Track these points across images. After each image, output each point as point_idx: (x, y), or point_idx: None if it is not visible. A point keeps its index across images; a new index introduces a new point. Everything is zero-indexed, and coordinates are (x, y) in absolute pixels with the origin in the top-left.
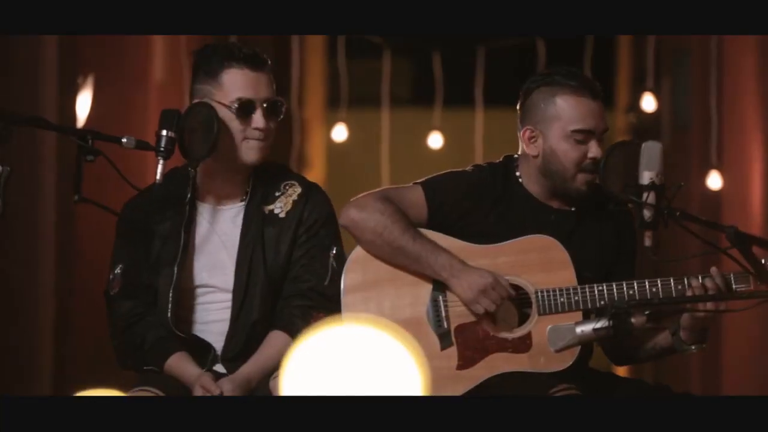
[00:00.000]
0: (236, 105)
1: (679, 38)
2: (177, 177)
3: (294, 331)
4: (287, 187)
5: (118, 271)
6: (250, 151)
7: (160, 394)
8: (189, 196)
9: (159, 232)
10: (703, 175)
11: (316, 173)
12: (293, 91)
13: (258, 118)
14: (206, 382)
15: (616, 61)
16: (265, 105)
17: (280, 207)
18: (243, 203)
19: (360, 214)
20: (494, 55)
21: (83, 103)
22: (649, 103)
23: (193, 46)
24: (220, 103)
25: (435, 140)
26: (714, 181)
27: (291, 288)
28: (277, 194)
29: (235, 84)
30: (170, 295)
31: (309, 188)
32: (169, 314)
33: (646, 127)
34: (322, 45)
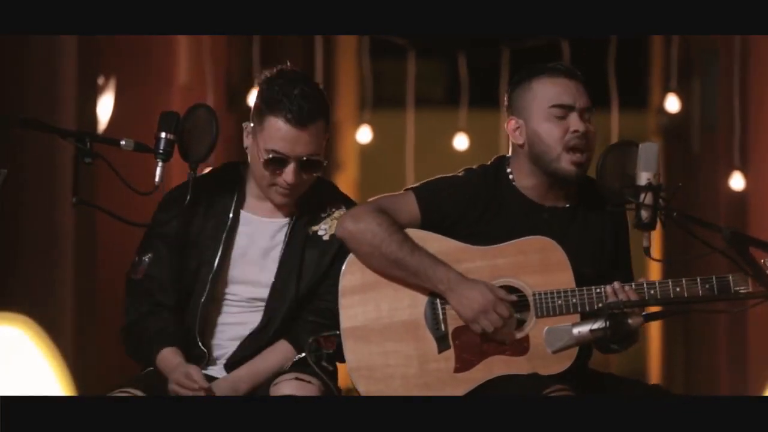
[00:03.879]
0: (268, 156)
1: (707, 38)
2: (222, 178)
3: (300, 344)
4: (334, 210)
5: (146, 259)
6: (276, 196)
7: (140, 394)
8: (188, 198)
9: (198, 235)
10: (730, 176)
11: (347, 175)
12: None
13: (288, 173)
14: (182, 377)
15: (648, 62)
16: (303, 159)
17: (324, 229)
18: (288, 220)
19: (356, 225)
20: (519, 56)
21: (105, 106)
22: (672, 104)
23: (217, 48)
24: (256, 143)
25: (461, 141)
26: (737, 182)
27: (311, 303)
28: (323, 215)
29: (272, 135)
30: (201, 301)
31: None
32: (197, 321)
33: (675, 127)
34: (354, 47)
